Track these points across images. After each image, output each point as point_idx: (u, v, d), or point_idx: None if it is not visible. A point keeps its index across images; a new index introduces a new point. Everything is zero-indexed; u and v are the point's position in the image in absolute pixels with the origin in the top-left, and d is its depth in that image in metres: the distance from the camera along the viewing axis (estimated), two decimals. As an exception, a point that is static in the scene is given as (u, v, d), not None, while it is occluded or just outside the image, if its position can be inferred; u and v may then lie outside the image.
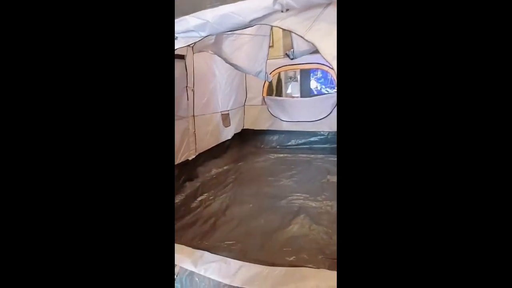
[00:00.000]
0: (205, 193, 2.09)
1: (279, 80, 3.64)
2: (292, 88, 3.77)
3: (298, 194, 1.98)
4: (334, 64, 0.86)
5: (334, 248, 1.38)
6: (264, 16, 0.89)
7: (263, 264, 1.10)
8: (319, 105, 3.00)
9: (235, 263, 1.08)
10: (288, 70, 3.48)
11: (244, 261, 1.11)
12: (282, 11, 0.89)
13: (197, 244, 1.44)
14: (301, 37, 0.89)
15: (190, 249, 1.15)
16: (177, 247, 1.14)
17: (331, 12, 0.85)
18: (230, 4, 0.89)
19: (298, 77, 3.71)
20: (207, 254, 1.12)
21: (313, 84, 3.90)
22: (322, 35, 0.86)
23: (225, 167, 2.65)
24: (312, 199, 1.91)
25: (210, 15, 0.92)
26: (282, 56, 3.04)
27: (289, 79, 3.78)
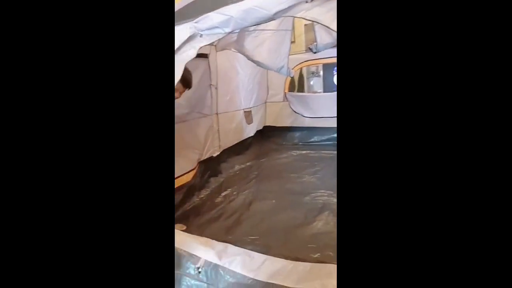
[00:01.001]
0: (228, 188, 2.12)
1: (301, 76, 3.58)
2: (315, 84, 3.69)
3: (322, 191, 1.94)
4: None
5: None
6: (289, 8, 0.88)
7: (287, 259, 1.10)
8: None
9: (259, 257, 1.09)
10: (311, 65, 3.41)
11: (268, 255, 1.11)
12: (306, 2, 0.87)
13: (221, 238, 1.46)
14: (327, 27, 0.86)
15: (214, 241, 1.17)
16: (202, 239, 1.17)
17: None
18: (254, -2, 0.89)
19: (321, 72, 3.62)
20: (231, 247, 1.14)
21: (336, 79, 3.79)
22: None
23: (247, 163, 2.67)
24: (336, 196, 1.86)
25: (234, 10, 0.93)
26: (304, 51, 2.99)
27: (312, 74, 3.70)
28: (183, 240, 1.15)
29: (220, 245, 1.11)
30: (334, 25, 0.87)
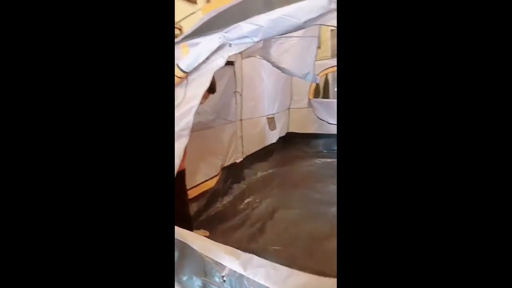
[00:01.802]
0: (251, 195, 2.12)
1: (326, 82, 3.51)
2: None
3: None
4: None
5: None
6: (319, 16, 0.86)
7: (312, 273, 1.06)
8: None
9: (284, 270, 1.06)
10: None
11: (292, 268, 1.08)
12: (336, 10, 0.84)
13: (245, 246, 1.45)
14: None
15: (238, 251, 1.16)
16: (227, 248, 1.16)
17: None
18: (284, 7, 0.88)
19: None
20: (255, 258, 1.12)
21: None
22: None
23: (270, 171, 2.66)
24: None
25: (263, 20, 0.93)
26: (330, 57, 2.93)
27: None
28: (208, 247, 1.15)
29: (245, 255, 1.10)
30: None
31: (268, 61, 1.98)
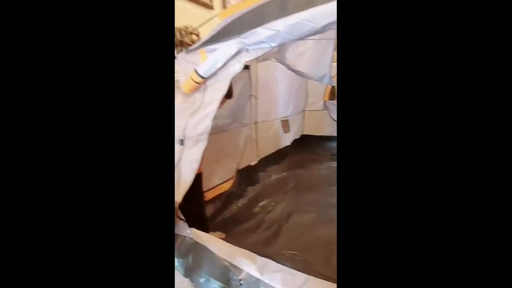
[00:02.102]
0: (266, 198, 2.11)
1: (342, 84, 3.46)
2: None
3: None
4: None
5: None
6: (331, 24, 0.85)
7: (329, 280, 1.04)
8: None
9: (300, 276, 1.05)
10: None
11: (309, 274, 1.07)
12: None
13: (260, 249, 1.45)
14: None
15: (255, 255, 1.16)
16: (244, 252, 1.17)
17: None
18: (302, 12, 0.88)
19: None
20: (272, 263, 1.12)
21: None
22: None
23: (284, 173, 2.64)
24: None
25: (281, 24, 0.93)
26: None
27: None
28: (226, 250, 1.16)
29: (262, 260, 1.10)
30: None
31: (284, 64, 1.98)
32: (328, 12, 0.85)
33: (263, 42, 1.02)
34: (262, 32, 1.00)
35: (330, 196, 2.08)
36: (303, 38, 0.96)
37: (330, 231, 1.61)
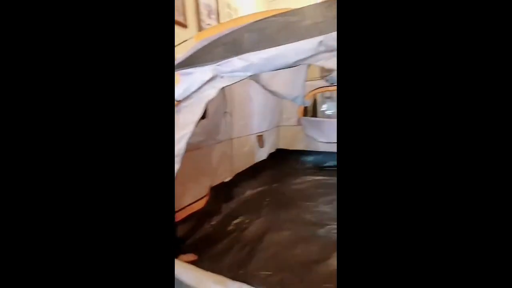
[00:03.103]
0: (240, 215, 2.10)
1: (314, 102, 3.60)
2: (329, 109, 3.71)
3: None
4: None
5: None
6: (308, 57, 0.91)
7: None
8: (357, 126, 2.89)
9: (274, 300, 1.06)
10: (325, 91, 3.44)
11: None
12: (327, 51, 0.90)
13: (235, 271, 1.44)
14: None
15: (227, 280, 1.15)
16: (212, 276, 1.15)
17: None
18: (275, 48, 0.93)
19: (335, 98, 3.64)
20: (245, 286, 1.11)
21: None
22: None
23: (259, 188, 2.66)
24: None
25: (255, 57, 0.97)
26: (319, 77, 3.03)
27: (326, 99, 3.73)
28: (194, 276, 1.13)
29: (235, 285, 1.09)
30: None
31: (259, 83, 2.03)
32: (300, 50, 0.91)
33: (237, 71, 1.05)
34: (236, 63, 1.03)
35: (305, 212, 2.12)
36: (276, 70, 1.00)
37: (304, 249, 1.64)
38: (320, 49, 0.88)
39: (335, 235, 1.78)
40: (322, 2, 1.27)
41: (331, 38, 0.85)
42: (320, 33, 0.88)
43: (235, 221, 2.03)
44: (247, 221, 2.03)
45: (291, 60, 0.92)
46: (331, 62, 0.91)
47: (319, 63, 0.95)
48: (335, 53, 0.90)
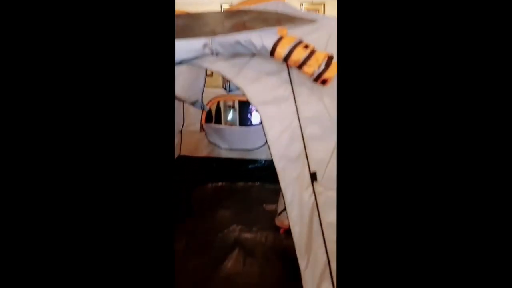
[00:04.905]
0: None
1: (218, 109, 3.68)
2: (231, 117, 3.86)
3: (234, 226, 1.95)
4: (260, 108, 0.93)
5: (271, 282, 1.39)
6: (194, 58, 0.91)
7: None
8: (256, 134, 3.12)
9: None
10: (226, 100, 3.57)
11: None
12: (212, 54, 0.92)
13: None
14: (230, 80, 0.93)
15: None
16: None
17: (257, 61, 0.93)
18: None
19: (237, 106, 3.82)
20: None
21: (255, 113, 4.05)
22: (249, 81, 0.92)
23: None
24: (247, 230, 1.91)
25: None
26: (222, 86, 3.12)
27: (229, 108, 3.87)
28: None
29: None
30: (236, 80, 0.95)
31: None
32: (185, 49, 0.90)
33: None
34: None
35: (203, 220, 2.09)
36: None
37: (202, 256, 1.61)
38: (205, 51, 0.90)
39: (231, 238, 1.83)
40: (225, 11, 1.31)
41: (216, 43, 0.88)
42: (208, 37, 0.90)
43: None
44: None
45: (177, 58, 0.89)
46: (217, 65, 0.94)
47: (206, 65, 0.96)
48: (220, 57, 0.94)
